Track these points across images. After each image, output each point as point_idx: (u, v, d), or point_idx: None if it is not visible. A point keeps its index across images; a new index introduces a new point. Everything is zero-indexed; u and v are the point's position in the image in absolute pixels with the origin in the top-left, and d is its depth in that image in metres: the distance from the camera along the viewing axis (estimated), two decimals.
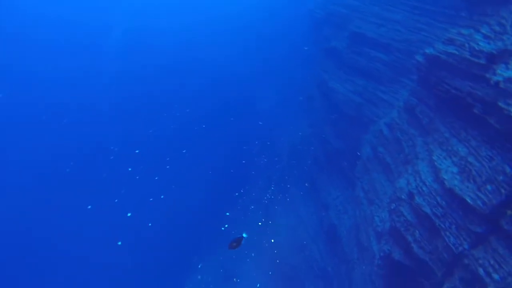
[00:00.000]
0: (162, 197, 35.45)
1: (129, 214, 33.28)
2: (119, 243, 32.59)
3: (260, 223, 34.45)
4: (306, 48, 31.57)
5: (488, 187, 9.16)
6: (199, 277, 33.76)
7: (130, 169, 36.33)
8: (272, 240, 28.68)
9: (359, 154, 20.23)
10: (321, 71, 24.03)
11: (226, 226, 32.31)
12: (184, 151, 39.06)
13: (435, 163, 11.54)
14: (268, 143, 38.24)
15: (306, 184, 28.34)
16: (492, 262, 8.66)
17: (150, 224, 33.74)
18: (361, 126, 21.03)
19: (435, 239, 10.45)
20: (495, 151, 9.71)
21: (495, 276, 8.68)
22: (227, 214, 33.91)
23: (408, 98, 16.34)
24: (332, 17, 23.94)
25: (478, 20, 12.15)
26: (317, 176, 26.49)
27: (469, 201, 9.38)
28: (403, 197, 12.40)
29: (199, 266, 33.89)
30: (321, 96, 24.41)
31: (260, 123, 39.78)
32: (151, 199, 35.23)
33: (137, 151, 36.98)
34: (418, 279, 11.30)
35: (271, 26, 44.09)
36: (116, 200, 34.22)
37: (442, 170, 10.81)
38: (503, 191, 8.65)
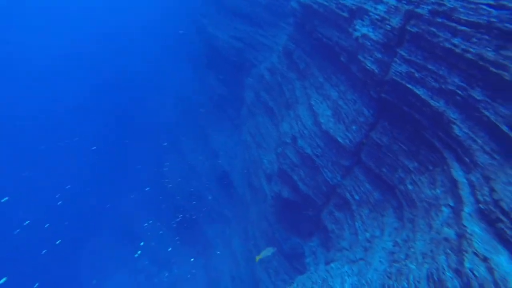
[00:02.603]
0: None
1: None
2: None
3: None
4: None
5: (353, 127, 11.44)
6: None
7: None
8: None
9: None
10: (200, 16, 23.69)
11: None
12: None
13: (313, 107, 13.51)
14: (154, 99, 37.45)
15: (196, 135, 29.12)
16: (354, 186, 11.26)
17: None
18: (243, 71, 22.18)
19: (316, 176, 12.73)
20: (357, 94, 11.94)
21: (356, 197, 11.36)
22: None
23: (286, 43, 17.83)
24: None
25: None
26: (204, 124, 27.40)
27: (340, 140, 11.60)
28: (287, 140, 14.31)
29: None
30: (202, 42, 24.37)
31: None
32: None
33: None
34: (304, 210, 13.78)
35: None
36: None
37: (319, 114, 12.81)
38: (363, 130, 10.98)
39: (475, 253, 5.22)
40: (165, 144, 32.77)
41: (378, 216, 10.27)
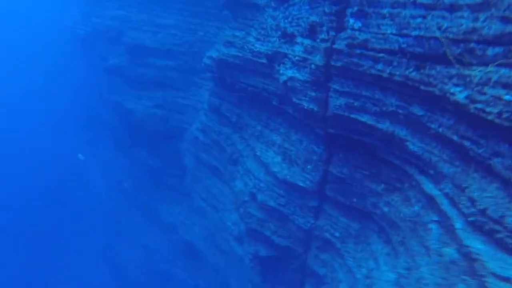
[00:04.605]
0: None
1: None
2: None
3: None
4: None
5: (308, 166, 11.46)
6: None
7: None
8: None
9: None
10: (110, 94, 22.84)
11: None
12: None
13: (261, 158, 13.37)
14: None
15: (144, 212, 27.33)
16: (330, 224, 11.15)
17: None
18: (173, 138, 21.60)
19: (288, 225, 12.40)
20: (301, 133, 12.09)
21: (336, 234, 11.24)
22: None
23: (209, 99, 17.78)
24: (100, 32, 22.70)
25: (244, 23, 14.20)
26: (149, 201, 25.88)
27: (300, 184, 11.51)
28: (246, 199, 13.89)
29: None
30: (120, 120, 23.40)
31: None
32: None
33: None
34: (287, 262, 13.25)
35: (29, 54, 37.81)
36: None
37: (269, 164, 12.67)
38: (319, 167, 11.03)
39: (494, 275, 5.24)
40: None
41: (365, 246, 10.20)
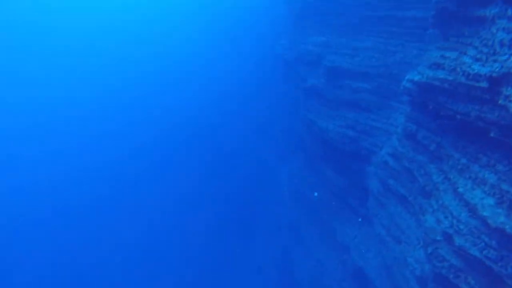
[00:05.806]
0: None
1: None
2: None
3: None
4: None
5: None
6: None
7: None
8: None
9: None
10: (306, 112, 23.99)
11: None
12: None
13: (464, 196, 11.10)
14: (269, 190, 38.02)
15: (318, 227, 27.49)
16: None
17: None
18: (360, 160, 20.74)
19: (499, 287, 9.76)
20: None
21: None
22: None
23: (405, 124, 16.20)
24: (303, 56, 24.39)
25: (457, 41, 12.23)
26: (328, 217, 25.75)
27: None
28: (438, 238, 11.79)
29: None
30: (312, 137, 24.24)
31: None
32: None
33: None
34: None
35: (241, 75, 44.85)
36: None
37: (477, 205, 10.34)
38: None
39: None
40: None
41: None
